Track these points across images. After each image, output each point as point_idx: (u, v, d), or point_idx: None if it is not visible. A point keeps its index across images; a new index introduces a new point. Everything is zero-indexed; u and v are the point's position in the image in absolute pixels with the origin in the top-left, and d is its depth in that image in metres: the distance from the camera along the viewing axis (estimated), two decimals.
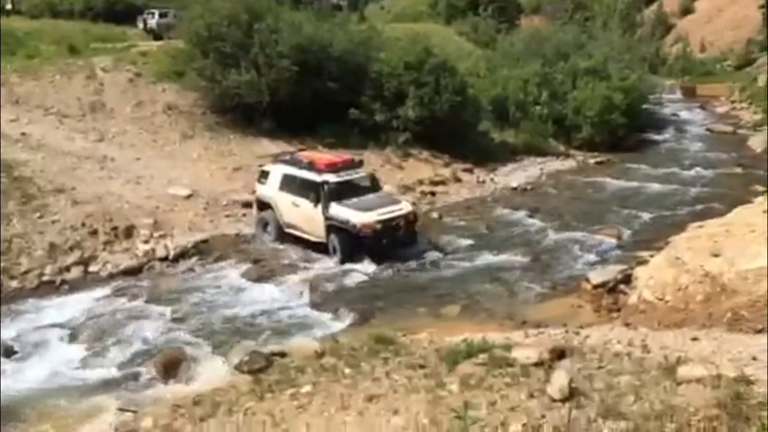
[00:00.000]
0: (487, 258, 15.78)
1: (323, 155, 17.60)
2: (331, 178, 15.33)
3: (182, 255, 15.83)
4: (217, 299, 13.64)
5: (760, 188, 21.18)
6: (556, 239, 17.15)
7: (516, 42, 37.62)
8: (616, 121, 30.64)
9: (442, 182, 22.98)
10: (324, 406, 6.42)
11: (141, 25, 35.24)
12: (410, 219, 15.46)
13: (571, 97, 31.03)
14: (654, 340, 6.59)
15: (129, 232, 16.15)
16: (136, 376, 10.45)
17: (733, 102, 47.29)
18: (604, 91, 30.83)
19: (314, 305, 13.16)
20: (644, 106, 37.24)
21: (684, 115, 43.00)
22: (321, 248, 15.53)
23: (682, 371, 5.56)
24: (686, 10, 77.42)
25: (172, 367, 10.47)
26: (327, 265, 15.14)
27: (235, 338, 11.43)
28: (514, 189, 23.22)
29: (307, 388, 6.87)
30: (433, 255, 15.69)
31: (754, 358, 5.73)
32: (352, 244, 14.82)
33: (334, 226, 15.01)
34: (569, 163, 28.08)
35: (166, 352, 10.96)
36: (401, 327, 10.40)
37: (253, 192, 17.30)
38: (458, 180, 23.52)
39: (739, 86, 49.73)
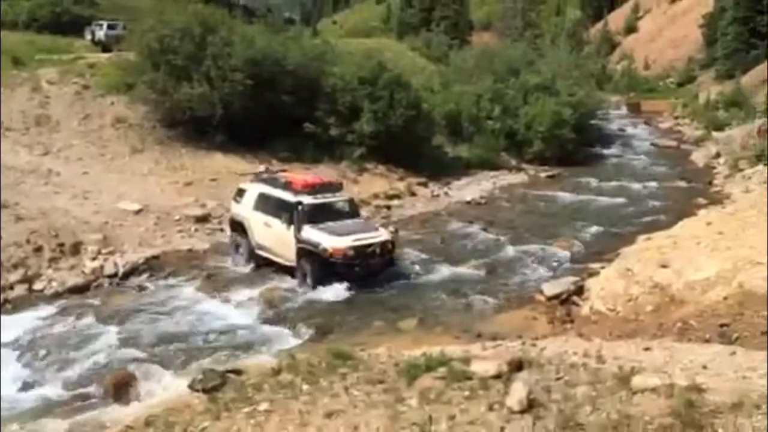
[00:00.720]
0: (442, 271, 15.84)
1: (303, 176, 16.82)
2: (307, 199, 14.67)
3: (132, 272, 15.42)
4: (169, 316, 13.29)
5: (703, 201, 21.97)
6: (510, 252, 17.36)
7: (468, 58, 38.28)
8: (566, 135, 31.42)
9: (398, 196, 23.09)
10: (282, 423, 6.31)
11: (89, 37, 34.48)
12: (387, 247, 14.79)
13: (523, 112, 31.68)
14: (608, 350, 6.70)
15: (76, 248, 15.64)
16: (85, 398, 10.09)
17: (676, 118, 49.07)
18: (553, 107, 31.58)
19: (270, 321, 12.96)
20: (592, 121, 38.35)
21: (630, 130, 44.38)
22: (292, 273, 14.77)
23: (637, 381, 5.66)
24: (630, 29, 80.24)
25: (122, 387, 10.15)
26: (283, 280, 14.94)
27: (189, 356, 11.16)
28: (468, 202, 23.48)
29: (264, 406, 6.74)
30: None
31: (705, 367, 5.88)
32: (323, 269, 14.02)
33: (305, 250, 14.26)
34: (521, 177, 28.61)
35: (116, 372, 10.62)
36: (359, 342, 10.36)
37: (228, 210, 16.70)
38: (413, 194, 23.68)
39: (681, 103, 51.65)
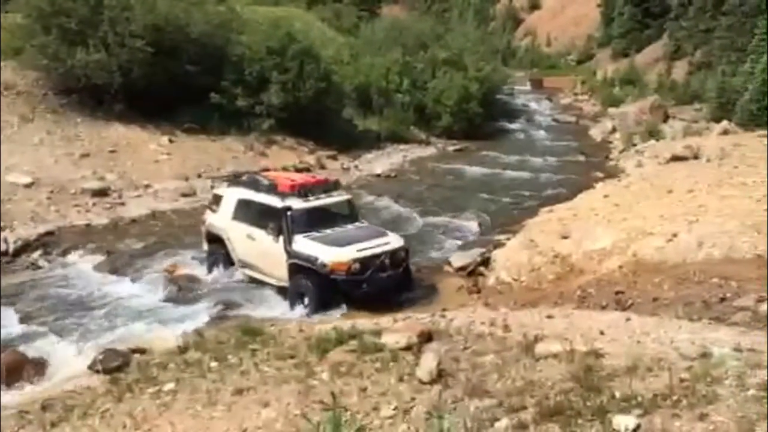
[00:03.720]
0: None
1: (290, 175, 14.55)
2: (297, 203, 12.04)
3: (24, 249, 14.52)
4: (66, 295, 12.62)
5: (600, 175, 23.05)
6: (420, 225, 17.60)
7: (378, 30, 38.14)
8: (473, 110, 32.07)
9: (307, 169, 22.81)
10: (190, 403, 6.14)
11: None
12: (399, 257, 12.02)
13: (431, 86, 32.02)
14: (513, 319, 6.93)
15: None
16: None
17: (575, 94, 51.10)
18: (461, 81, 32.10)
19: (176, 299, 12.54)
20: (498, 96, 39.30)
21: (533, 105, 45.79)
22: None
23: (540, 348, 5.88)
24: (534, 6, 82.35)
25: (15, 370, 9.54)
26: (188, 255, 14.48)
27: (89, 336, 10.66)
28: (378, 176, 23.59)
29: (170, 386, 6.54)
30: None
31: (602, 333, 6.18)
32: (324, 289, 11.36)
33: (299, 267, 11.68)
34: (430, 151, 28.99)
35: (7, 353, 9.99)
36: (269, 317, 10.23)
37: (203, 223, 13.85)
38: (323, 167, 23.51)
39: (580, 79, 53.75)
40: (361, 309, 10.97)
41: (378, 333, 6.80)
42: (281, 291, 12.15)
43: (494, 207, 19.61)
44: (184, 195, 19.20)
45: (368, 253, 11.53)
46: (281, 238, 11.81)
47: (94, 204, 17.08)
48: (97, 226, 16.09)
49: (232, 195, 13.19)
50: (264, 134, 23.66)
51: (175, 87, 22.05)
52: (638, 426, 4.30)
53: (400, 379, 5.78)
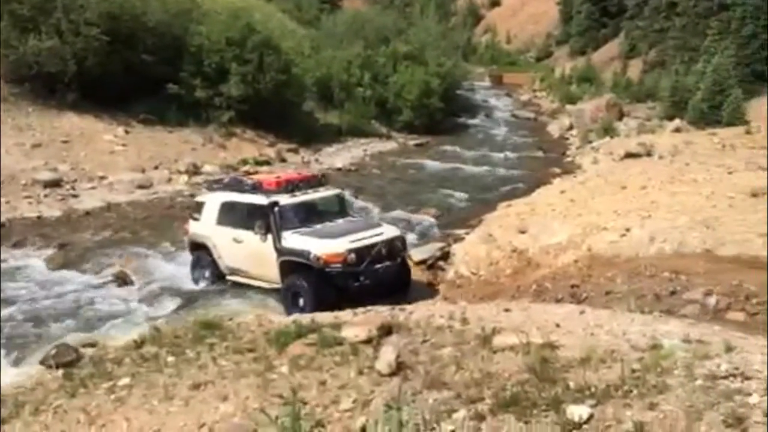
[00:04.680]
0: None
1: (275, 173, 13.88)
2: (284, 199, 11.51)
3: None
4: (16, 289, 12.28)
5: (558, 170, 23.45)
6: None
7: (339, 23, 38.01)
8: (434, 105, 32.25)
9: (267, 162, 22.70)
10: (145, 398, 6.05)
11: None
12: (396, 247, 11.44)
13: (392, 80, 32.08)
14: (472, 312, 7.00)
15: None
16: None
17: (534, 91, 51.84)
18: (422, 76, 32.23)
19: (131, 293, 12.33)
20: (458, 91, 39.60)
21: (492, 101, 46.28)
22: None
23: (497, 341, 5.96)
24: (494, 3, 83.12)
25: None
26: (142, 247, 14.23)
27: (41, 331, 10.41)
28: (339, 170, 23.54)
29: (125, 381, 6.43)
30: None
31: (558, 325, 6.29)
32: (319, 285, 10.65)
33: (290, 264, 11.06)
34: (391, 145, 29.07)
35: None
36: (227, 311, 10.12)
37: (185, 233, 13.26)
38: (283, 160, 23.39)
39: (539, 76, 54.53)
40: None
41: (338, 326, 6.80)
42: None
43: (454, 201, 19.78)
44: (141, 187, 18.87)
45: (363, 243, 10.92)
46: (269, 237, 11.18)
47: (45, 195, 16.66)
48: (49, 218, 15.70)
49: (214, 200, 12.50)
50: (223, 126, 23.39)
51: (131, 77, 21.65)
52: (591, 416, 4.40)
53: (360, 372, 5.80)
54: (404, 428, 3.28)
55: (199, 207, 12.88)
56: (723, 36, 35.71)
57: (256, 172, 18.06)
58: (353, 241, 10.87)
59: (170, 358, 6.82)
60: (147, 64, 22.08)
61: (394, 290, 11.06)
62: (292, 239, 11.07)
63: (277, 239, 11.11)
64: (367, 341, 6.36)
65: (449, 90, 35.42)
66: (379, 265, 10.96)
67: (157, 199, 18.50)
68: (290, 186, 11.81)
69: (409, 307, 7.51)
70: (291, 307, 10.69)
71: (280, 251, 11.10)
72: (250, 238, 11.45)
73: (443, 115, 33.47)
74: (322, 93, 30.16)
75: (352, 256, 10.65)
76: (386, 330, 6.57)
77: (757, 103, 31.32)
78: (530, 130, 35.45)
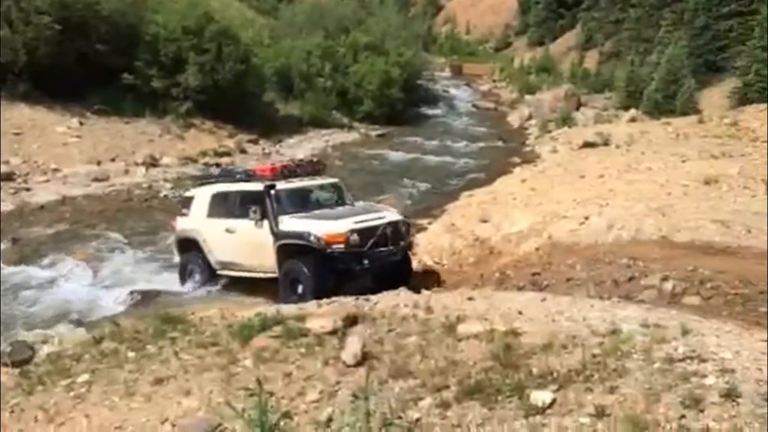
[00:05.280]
0: None
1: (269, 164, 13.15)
2: (281, 184, 10.93)
3: None
4: None
5: (518, 160, 23.72)
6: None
7: (298, 12, 37.71)
8: (395, 95, 32.27)
9: (228, 153, 22.43)
10: (106, 394, 5.94)
11: None
12: (401, 230, 10.73)
13: (353, 70, 31.95)
14: (436, 301, 7.05)
15: None
16: None
17: (494, 81, 52.26)
18: (383, 66, 32.20)
19: (89, 287, 12.06)
20: (419, 82, 39.65)
21: (453, 91, 46.49)
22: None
23: (462, 329, 6.02)
24: None
25: None
26: (99, 240, 13.92)
27: None
28: (301, 161, 23.32)
29: (84, 377, 6.31)
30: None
31: (520, 313, 6.37)
32: (320, 268, 9.97)
33: (289, 248, 10.36)
34: (353, 136, 29.01)
35: None
36: (189, 305, 9.99)
37: (173, 230, 12.48)
38: (244, 151, 23.14)
39: (498, 67, 54.98)
40: (268, 287, 10.42)
41: (302, 318, 6.77)
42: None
43: (416, 191, 19.85)
44: (97, 180, 18.47)
45: (367, 224, 10.29)
46: (265, 224, 10.55)
47: None
48: (2, 212, 15.21)
49: (204, 192, 11.84)
50: (181, 117, 23.00)
51: (84, 67, 21.10)
52: (554, 400, 4.49)
53: (326, 363, 5.79)
54: (371, 418, 3.29)
55: (187, 202, 12.22)
56: (676, 27, 36.54)
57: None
58: (356, 222, 10.28)
59: (131, 354, 6.71)
60: (101, 53, 21.55)
61: (398, 277, 10.27)
62: (290, 222, 10.47)
63: (274, 223, 10.48)
64: (333, 332, 6.36)
65: (410, 80, 35.47)
66: (383, 249, 10.29)
67: (114, 191, 18.12)
68: (286, 171, 11.30)
69: (373, 298, 7.52)
70: (289, 294, 10.07)
71: (277, 235, 10.44)
72: (243, 226, 10.83)
73: (404, 105, 33.52)
74: (282, 83, 29.89)
75: (355, 236, 9.97)
76: (351, 320, 6.58)
77: (710, 92, 32.17)
78: (490, 120, 35.75)
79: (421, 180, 21.23)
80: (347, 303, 7.36)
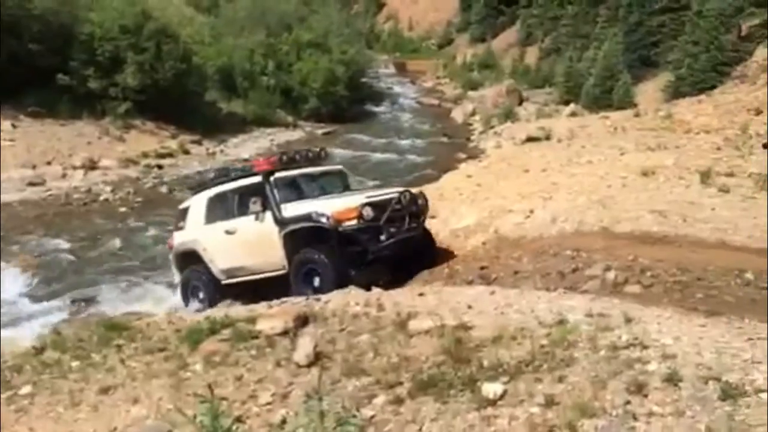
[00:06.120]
0: None
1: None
2: (281, 173, 10.13)
3: None
4: None
5: (463, 155, 24.00)
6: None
7: (239, 9, 37.18)
8: (340, 92, 32.20)
9: (170, 154, 21.98)
10: (50, 405, 5.76)
11: None
12: (418, 203, 10.19)
13: (297, 68, 31.74)
14: (387, 298, 7.07)
15: None
16: None
17: (437, 78, 52.67)
18: (327, 64, 32.09)
19: (29, 294, 11.64)
20: (363, 79, 39.67)
21: (397, 88, 46.70)
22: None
23: (413, 325, 6.06)
24: None
25: None
26: (36, 246, 13.44)
27: None
28: (246, 160, 23.06)
29: (26, 389, 6.10)
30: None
31: (470, 307, 6.45)
32: (339, 251, 9.15)
33: (296, 234, 9.47)
34: (298, 134, 28.81)
35: None
36: (134, 311, 9.76)
37: (170, 247, 11.49)
38: (187, 152, 22.71)
39: (441, 63, 55.44)
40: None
41: (252, 320, 6.69)
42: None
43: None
44: (32, 184, 17.85)
45: (379, 198, 9.62)
46: (267, 216, 9.65)
47: None
48: None
49: (200, 199, 10.99)
50: (120, 118, 22.40)
51: (16, 67, 20.33)
52: (505, 392, 4.57)
53: (277, 365, 5.75)
54: (325, 418, 3.28)
55: (183, 214, 11.28)
56: (611, 24, 37.53)
57: None
58: (368, 197, 9.63)
59: (75, 363, 6.52)
60: (34, 53, 20.80)
61: (421, 256, 9.79)
62: (294, 207, 9.64)
63: (277, 210, 9.62)
64: (284, 333, 6.32)
65: (354, 78, 35.44)
66: (402, 225, 9.59)
67: (51, 196, 17.53)
68: (286, 158, 10.54)
69: (324, 297, 7.50)
70: (303, 288, 9.05)
71: (282, 222, 9.53)
72: (244, 223, 9.99)
73: (349, 103, 33.47)
74: (225, 82, 29.44)
75: (368, 210, 9.19)
76: (302, 321, 6.54)
77: (645, 87, 33.20)
78: (435, 117, 36.03)
79: (368, 177, 21.24)
80: (298, 303, 7.33)
